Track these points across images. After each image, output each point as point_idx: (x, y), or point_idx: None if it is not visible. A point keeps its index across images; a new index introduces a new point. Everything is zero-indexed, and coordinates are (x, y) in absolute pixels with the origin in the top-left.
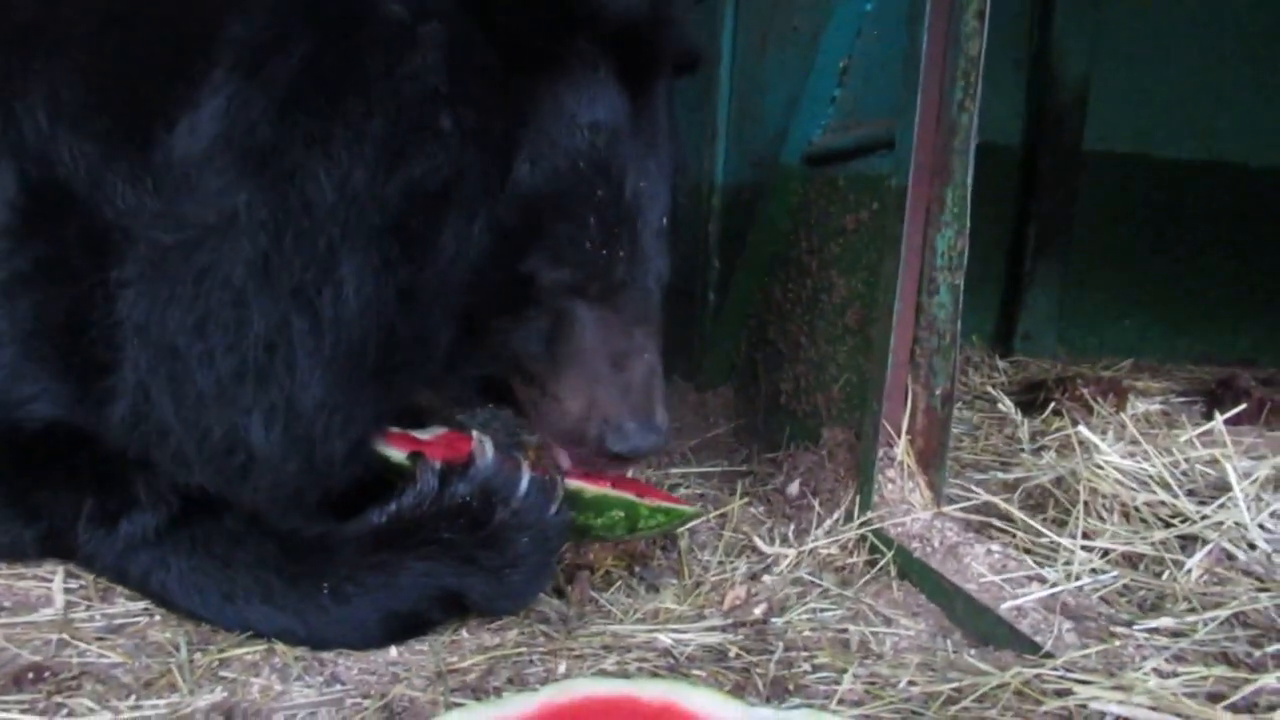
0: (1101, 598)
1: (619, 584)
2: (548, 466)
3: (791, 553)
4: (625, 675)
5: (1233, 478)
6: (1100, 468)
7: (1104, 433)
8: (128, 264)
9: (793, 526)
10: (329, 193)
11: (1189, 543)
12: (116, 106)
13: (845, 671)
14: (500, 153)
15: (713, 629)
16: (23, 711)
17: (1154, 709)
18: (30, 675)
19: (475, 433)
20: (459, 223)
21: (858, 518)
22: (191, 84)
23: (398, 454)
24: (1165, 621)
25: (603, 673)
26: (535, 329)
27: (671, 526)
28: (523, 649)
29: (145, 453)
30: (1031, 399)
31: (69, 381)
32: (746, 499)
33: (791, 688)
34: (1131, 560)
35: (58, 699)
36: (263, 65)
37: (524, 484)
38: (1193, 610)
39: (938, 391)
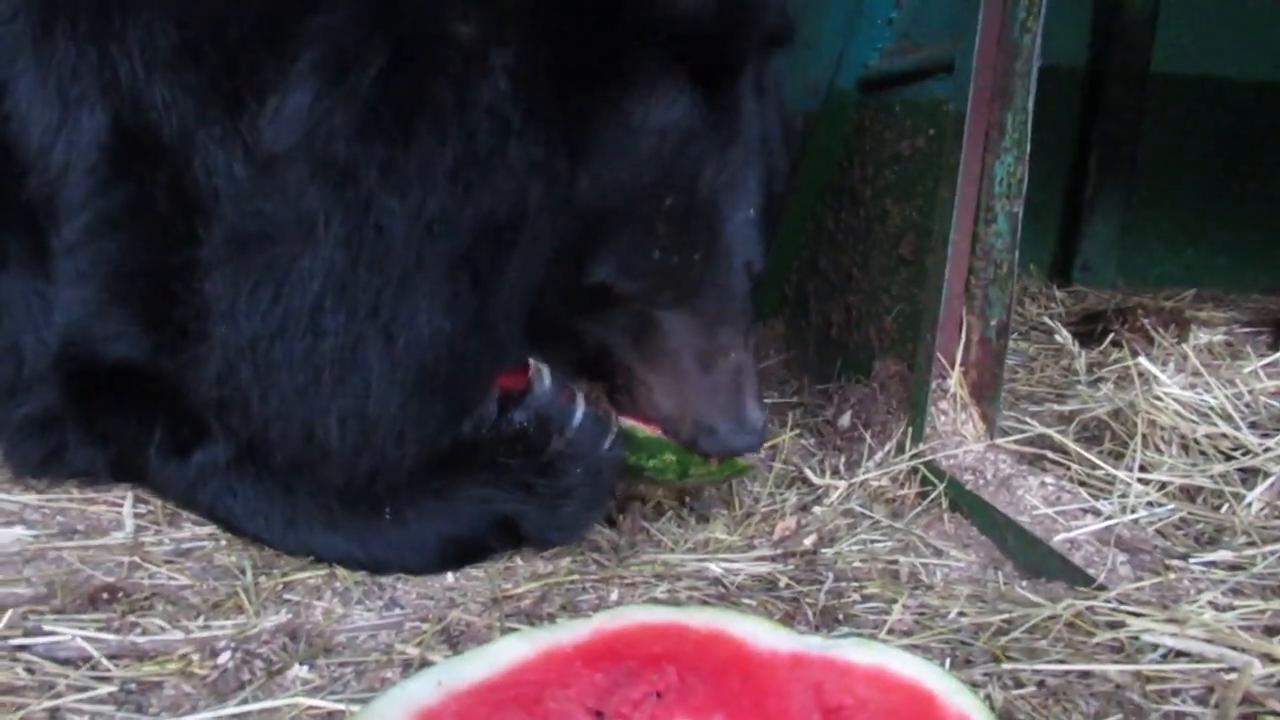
0: (1157, 531)
1: (670, 514)
2: (602, 402)
3: (842, 484)
4: (676, 603)
5: None
6: (1159, 399)
7: (1164, 364)
8: (214, 241)
9: (843, 458)
10: (403, 222)
11: (1250, 476)
12: (211, 63)
13: (895, 602)
14: (566, 174)
15: (763, 559)
16: (99, 629)
17: (1208, 641)
18: (105, 595)
19: (532, 361)
20: (526, 250)
21: (909, 450)
22: (280, 62)
23: None
24: (1223, 555)
25: (654, 600)
26: (620, 328)
27: (723, 477)
28: (575, 576)
29: (228, 414)
30: (1090, 330)
31: (151, 332)
32: (797, 431)
33: (841, 617)
34: (1189, 493)
35: (131, 618)
36: (345, 70)
37: (579, 415)
38: (1251, 544)
39: (993, 323)
